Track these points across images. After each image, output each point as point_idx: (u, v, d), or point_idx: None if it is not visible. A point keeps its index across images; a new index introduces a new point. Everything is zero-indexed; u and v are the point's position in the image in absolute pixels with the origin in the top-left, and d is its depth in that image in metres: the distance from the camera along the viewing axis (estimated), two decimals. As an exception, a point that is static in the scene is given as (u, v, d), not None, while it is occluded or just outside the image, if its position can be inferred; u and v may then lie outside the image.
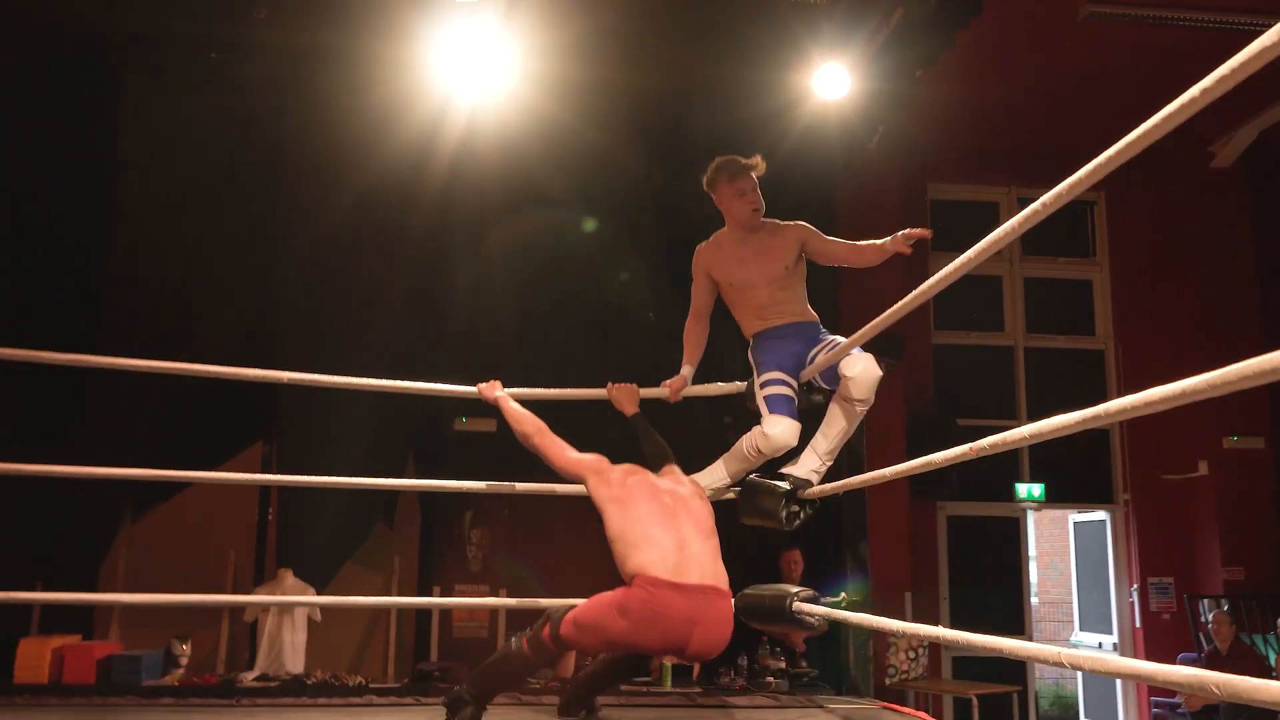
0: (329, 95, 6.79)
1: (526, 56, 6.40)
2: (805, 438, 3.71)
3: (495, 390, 3.84)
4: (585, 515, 7.89)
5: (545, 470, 3.79)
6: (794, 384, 3.65)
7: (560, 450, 3.50)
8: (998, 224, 9.59)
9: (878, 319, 2.78)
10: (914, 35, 6.13)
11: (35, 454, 4.55)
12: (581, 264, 7.14)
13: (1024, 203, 9.77)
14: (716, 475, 3.72)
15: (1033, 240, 9.78)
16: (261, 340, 7.07)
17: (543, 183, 6.78)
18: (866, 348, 3.50)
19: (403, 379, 4.82)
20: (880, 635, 7.42)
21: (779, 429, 3.54)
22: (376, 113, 6.63)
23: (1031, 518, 10.23)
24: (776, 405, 3.59)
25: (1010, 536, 9.16)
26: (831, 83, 6.57)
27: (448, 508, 8.02)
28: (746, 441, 3.61)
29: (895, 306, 2.63)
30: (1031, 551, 13.06)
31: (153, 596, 4.72)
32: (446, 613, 7.75)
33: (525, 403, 3.83)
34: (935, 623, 8.81)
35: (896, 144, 8.46)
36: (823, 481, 3.69)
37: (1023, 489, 9.13)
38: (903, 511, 8.43)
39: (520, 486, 4.37)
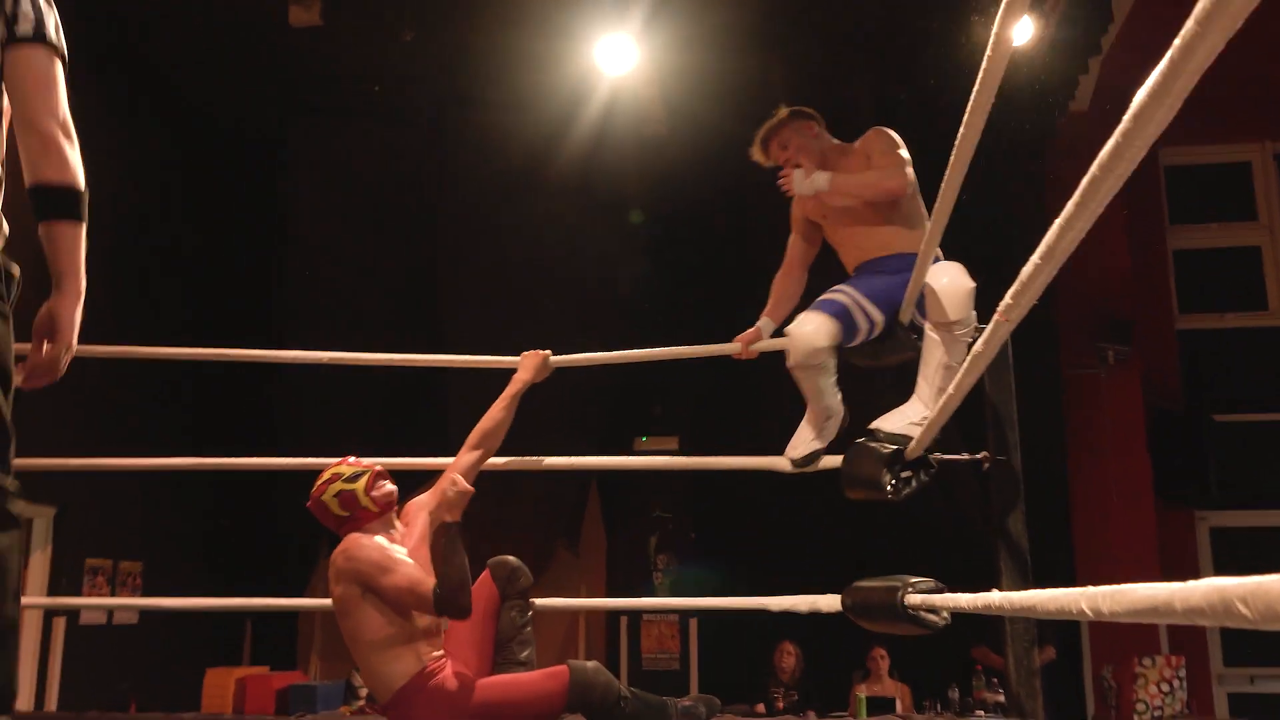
0: (476, 98, 6.87)
1: (671, 49, 6.13)
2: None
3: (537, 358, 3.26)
4: (770, 538, 7.40)
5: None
6: (853, 293, 2.99)
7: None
8: (1251, 188, 8.14)
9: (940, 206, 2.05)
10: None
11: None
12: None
13: (1282, 159, 8.41)
14: (805, 436, 3.05)
15: (1296, 202, 8.34)
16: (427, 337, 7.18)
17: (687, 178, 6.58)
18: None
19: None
20: (1124, 664, 6.35)
21: (795, 324, 2.95)
22: (521, 104, 6.64)
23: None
24: (816, 305, 2.99)
25: (1294, 550, 7.70)
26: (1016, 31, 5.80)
27: (632, 533, 7.68)
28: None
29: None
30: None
31: (285, 602, 4.59)
32: (635, 644, 7.37)
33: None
34: (1205, 662, 7.47)
35: (1114, 104, 7.43)
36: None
37: (1305, 490, 7.67)
38: (1149, 525, 7.25)
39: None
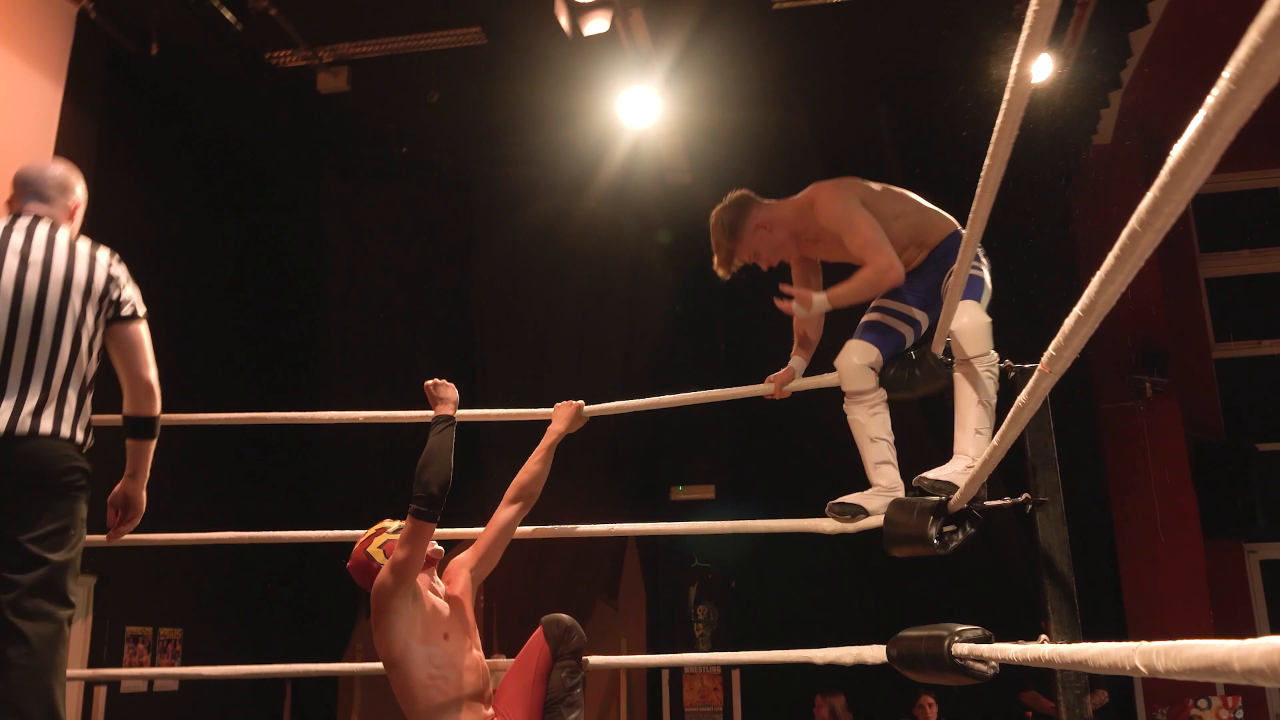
0: (503, 154, 7.00)
1: (698, 103, 6.20)
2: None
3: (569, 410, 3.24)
4: (812, 588, 7.30)
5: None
6: (886, 304, 3.06)
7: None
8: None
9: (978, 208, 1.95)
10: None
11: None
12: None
13: (1313, 183, 8.31)
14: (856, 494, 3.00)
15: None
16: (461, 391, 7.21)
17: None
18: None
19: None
20: (1179, 706, 6.19)
21: (840, 355, 3.03)
22: (546, 158, 6.73)
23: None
24: (859, 332, 3.07)
25: (1350, 580, 7.52)
26: (1036, 68, 5.81)
27: (672, 583, 7.61)
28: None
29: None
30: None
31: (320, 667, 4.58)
32: (678, 696, 7.27)
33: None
34: (1263, 702, 7.23)
35: (1137, 135, 7.40)
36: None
37: (1358, 520, 7.49)
38: (1197, 560, 7.09)
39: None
